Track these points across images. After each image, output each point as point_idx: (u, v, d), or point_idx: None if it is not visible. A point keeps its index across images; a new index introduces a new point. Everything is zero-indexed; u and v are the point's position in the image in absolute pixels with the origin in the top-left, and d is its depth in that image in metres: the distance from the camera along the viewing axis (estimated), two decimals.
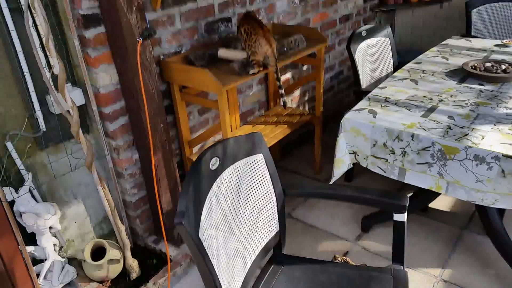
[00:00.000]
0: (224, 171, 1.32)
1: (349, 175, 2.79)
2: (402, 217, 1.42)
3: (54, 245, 1.94)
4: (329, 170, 2.86)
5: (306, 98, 3.21)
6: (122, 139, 1.99)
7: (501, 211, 2.06)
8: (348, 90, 3.72)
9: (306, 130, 3.28)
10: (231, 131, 2.54)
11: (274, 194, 1.50)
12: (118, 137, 1.98)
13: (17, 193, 1.78)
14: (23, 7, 1.47)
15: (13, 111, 1.73)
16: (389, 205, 1.43)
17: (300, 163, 3.07)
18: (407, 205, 1.40)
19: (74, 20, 1.71)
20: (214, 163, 1.28)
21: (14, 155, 1.75)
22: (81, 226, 2.10)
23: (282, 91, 2.12)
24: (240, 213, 1.38)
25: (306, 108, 3.26)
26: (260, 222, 1.46)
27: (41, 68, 1.46)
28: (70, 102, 1.56)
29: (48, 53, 1.55)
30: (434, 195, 2.14)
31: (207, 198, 1.22)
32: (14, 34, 1.63)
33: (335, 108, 3.58)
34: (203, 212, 1.18)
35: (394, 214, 1.43)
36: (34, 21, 1.66)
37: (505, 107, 1.89)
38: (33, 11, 1.55)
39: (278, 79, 2.06)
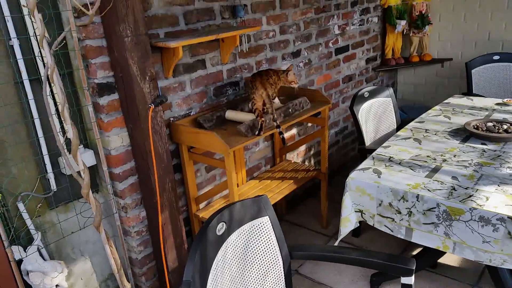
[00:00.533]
0: (231, 236, 1.34)
1: (356, 230, 2.77)
2: (409, 280, 1.41)
3: None
4: (336, 223, 2.85)
5: (312, 152, 3.26)
6: (131, 198, 2.03)
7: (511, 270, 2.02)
8: (353, 144, 3.77)
9: (312, 183, 3.30)
10: (237, 186, 2.57)
11: (280, 257, 1.50)
12: (127, 196, 2.01)
13: (25, 252, 1.79)
14: (43, 78, 1.56)
15: (26, 172, 1.78)
16: (395, 269, 1.43)
17: (307, 217, 3.06)
18: (414, 268, 1.39)
19: (89, 88, 1.81)
20: (221, 228, 1.30)
21: (25, 215, 1.79)
22: (87, 283, 2.09)
23: (280, 130, 2.15)
24: (246, 277, 1.39)
25: (312, 162, 3.29)
26: (266, 285, 1.45)
27: (56, 134, 1.52)
28: (82, 165, 1.61)
29: (63, 120, 1.62)
30: (442, 252, 2.12)
31: (213, 265, 1.23)
32: (32, 102, 1.72)
33: (341, 161, 3.61)
34: (209, 279, 1.19)
35: (401, 277, 1.42)
36: (51, 90, 1.75)
37: (508, 167, 1.91)
38: (51, 81, 1.63)
39: (275, 120, 2.12)
